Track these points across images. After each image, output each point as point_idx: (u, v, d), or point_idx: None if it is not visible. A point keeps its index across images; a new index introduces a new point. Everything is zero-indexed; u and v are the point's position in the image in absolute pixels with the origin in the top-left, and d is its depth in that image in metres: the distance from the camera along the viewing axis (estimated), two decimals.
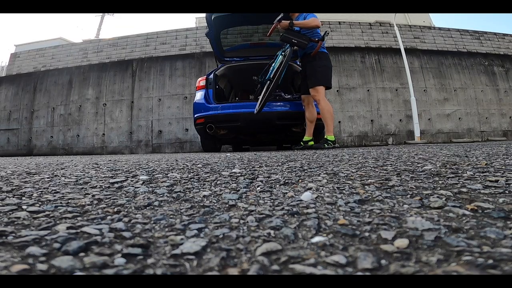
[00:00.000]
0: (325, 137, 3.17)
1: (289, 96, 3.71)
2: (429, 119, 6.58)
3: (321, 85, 3.09)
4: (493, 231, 0.40)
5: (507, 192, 0.61)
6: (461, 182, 0.72)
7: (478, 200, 0.56)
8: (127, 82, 6.77)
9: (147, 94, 6.63)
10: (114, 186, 0.79)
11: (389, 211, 0.52)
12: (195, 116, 3.58)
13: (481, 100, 6.83)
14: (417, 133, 6.00)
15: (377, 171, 0.95)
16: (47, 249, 0.36)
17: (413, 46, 7.06)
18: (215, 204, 0.60)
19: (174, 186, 0.78)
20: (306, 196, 0.63)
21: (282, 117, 3.38)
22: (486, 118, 6.78)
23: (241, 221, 0.49)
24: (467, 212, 0.49)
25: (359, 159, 1.39)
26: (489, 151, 1.58)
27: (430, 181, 0.75)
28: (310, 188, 0.72)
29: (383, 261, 0.33)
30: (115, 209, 0.56)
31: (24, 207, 0.56)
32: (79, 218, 0.50)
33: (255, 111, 3.14)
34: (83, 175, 1.02)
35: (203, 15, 4.75)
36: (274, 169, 1.12)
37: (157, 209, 0.56)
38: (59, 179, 0.93)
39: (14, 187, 0.77)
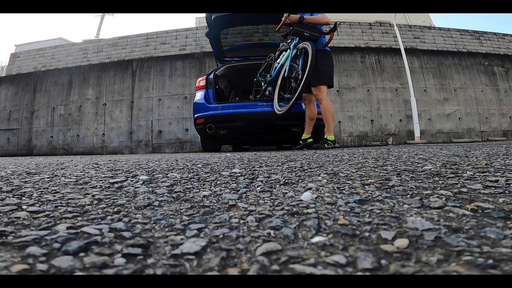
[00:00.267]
0: (325, 137, 3.16)
1: (289, 96, 3.71)
2: (429, 119, 6.58)
3: (324, 84, 3.07)
4: (493, 231, 0.40)
5: (507, 192, 0.61)
6: (461, 182, 0.72)
7: (478, 200, 0.56)
8: (127, 82, 6.78)
9: (147, 94, 6.63)
10: (114, 186, 0.79)
11: (389, 211, 0.52)
12: (195, 116, 3.58)
13: (481, 100, 6.83)
14: (417, 133, 6.00)
15: (377, 171, 0.95)
16: (47, 249, 0.36)
17: (413, 46, 7.06)
18: (215, 204, 0.60)
19: (174, 186, 0.78)
20: (306, 196, 0.63)
21: (282, 117, 3.37)
22: (486, 118, 6.78)
23: (241, 221, 0.48)
24: (467, 212, 0.49)
25: (359, 159, 1.39)
26: (489, 151, 1.58)
27: (430, 181, 0.75)
28: (310, 188, 0.72)
29: (383, 261, 0.33)
30: (115, 209, 0.56)
31: (24, 207, 0.56)
32: (79, 218, 0.50)
33: (280, 112, 2.99)
34: (83, 175, 1.02)
35: (203, 15, 4.75)
36: (274, 169, 1.12)
37: (157, 209, 0.56)
38: (59, 179, 0.93)
39: (14, 187, 0.77)
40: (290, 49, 3.12)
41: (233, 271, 0.31)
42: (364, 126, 6.43)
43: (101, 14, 19.10)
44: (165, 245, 0.38)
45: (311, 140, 3.25)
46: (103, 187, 0.78)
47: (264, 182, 0.84)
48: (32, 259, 0.34)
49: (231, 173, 1.02)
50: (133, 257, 0.35)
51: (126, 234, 0.42)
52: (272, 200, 0.62)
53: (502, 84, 7.02)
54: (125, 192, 0.72)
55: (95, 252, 0.36)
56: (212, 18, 3.77)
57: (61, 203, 0.60)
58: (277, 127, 3.46)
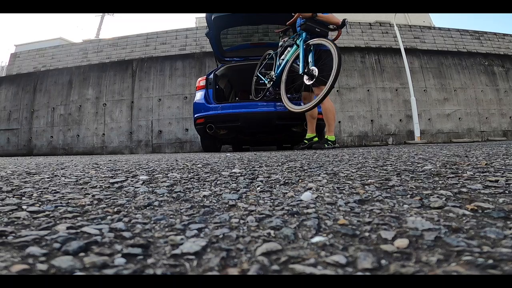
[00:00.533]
0: (326, 137, 3.16)
1: (289, 96, 3.70)
2: (429, 119, 6.58)
3: (323, 85, 3.06)
4: (493, 231, 0.40)
5: (507, 192, 0.61)
6: (461, 182, 0.72)
7: (478, 200, 0.56)
8: (127, 82, 6.78)
9: (147, 94, 6.63)
10: (114, 186, 0.79)
11: (389, 211, 0.52)
12: (195, 116, 3.58)
13: (481, 100, 6.83)
14: (417, 133, 6.00)
15: (377, 171, 0.95)
16: (47, 249, 0.36)
17: (413, 46, 7.06)
18: (215, 204, 0.60)
19: (174, 186, 0.78)
20: (306, 196, 0.63)
21: (282, 117, 3.37)
22: (486, 118, 6.78)
23: (241, 221, 0.48)
24: (467, 212, 0.49)
25: (359, 159, 1.39)
26: (489, 151, 1.58)
27: (430, 181, 0.75)
28: (310, 188, 0.72)
29: (383, 261, 0.33)
30: (115, 209, 0.56)
31: (24, 207, 0.56)
32: (79, 218, 0.50)
33: (298, 110, 2.88)
34: (83, 175, 1.02)
35: (203, 15, 4.76)
36: (274, 169, 1.12)
37: (157, 209, 0.56)
38: (59, 179, 0.93)
39: (14, 187, 0.77)
40: (300, 45, 2.99)
41: (233, 271, 0.31)
42: (364, 126, 6.43)
43: (101, 14, 19.11)
44: (165, 245, 0.38)
45: (316, 138, 3.23)
46: (103, 187, 0.78)
47: (264, 182, 0.84)
48: (32, 259, 0.34)
49: (231, 173, 1.02)
50: (133, 257, 0.35)
51: (126, 234, 0.42)
52: (272, 200, 0.62)
53: (502, 84, 7.03)
54: (125, 192, 0.72)
55: (95, 252, 0.36)
56: (212, 18, 3.76)
57: (61, 203, 0.60)
58: (277, 127, 3.46)
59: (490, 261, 0.31)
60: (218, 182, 0.85)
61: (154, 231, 0.44)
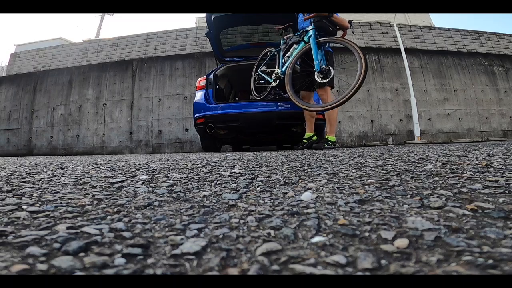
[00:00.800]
0: (326, 137, 3.16)
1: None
2: (429, 119, 6.59)
3: (330, 85, 3.05)
4: (493, 231, 0.40)
5: (507, 192, 0.61)
6: (461, 182, 0.72)
7: (478, 200, 0.56)
8: (127, 82, 6.78)
9: (147, 94, 6.63)
10: (114, 186, 0.79)
11: (389, 211, 0.52)
12: (195, 116, 3.58)
13: (481, 100, 6.84)
14: (417, 133, 6.00)
15: (377, 171, 0.95)
16: (47, 249, 0.36)
17: (413, 46, 7.06)
18: (215, 204, 0.60)
19: (174, 186, 0.78)
20: (306, 196, 0.63)
21: (282, 117, 3.36)
22: (486, 118, 6.78)
23: (241, 221, 0.48)
24: (467, 212, 0.49)
25: (359, 159, 1.39)
26: (489, 151, 1.58)
27: (430, 181, 0.75)
28: (310, 188, 0.72)
29: (383, 261, 0.33)
30: (115, 209, 0.56)
31: (24, 207, 0.56)
32: (79, 218, 0.50)
33: (317, 109, 2.81)
34: (83, 175, 1.02)
35: (203, 15, 4.76)
36: (274, 169, 1.12)
37: (157, 209, 0.56)
38: (59, 179, 0.93)
39: (14, 187, 0.77)
40: (311, 42, 2.88)
41: (233, 271, 0.31)
42: (364, 126, 6.44)
43: (101, 14, 19.12)
44: (165, 245, 0.38)
45: (316, 137, 3.23)
46: (103, 187, 0.78)
47: (264, 182, 0.83)
48: (32, 259, 0.34)
49: (231, 173, 1.02)
50: (133, 257, 0.35)
51: (126, 234, 0.42)
52: (272, 200, 0.62)
53: (502, 84, 7.03)
54: (125, 192, 0.72)
55: (95, 252, 0.36)
56: (212, 18, 3.76)
57: (61, 203, 0.60)
58: (277, 127, 3.46)
59: (490, 261, 0.31)
60: (218, 182, 0.85)
61: (154, 231, 0.44)
